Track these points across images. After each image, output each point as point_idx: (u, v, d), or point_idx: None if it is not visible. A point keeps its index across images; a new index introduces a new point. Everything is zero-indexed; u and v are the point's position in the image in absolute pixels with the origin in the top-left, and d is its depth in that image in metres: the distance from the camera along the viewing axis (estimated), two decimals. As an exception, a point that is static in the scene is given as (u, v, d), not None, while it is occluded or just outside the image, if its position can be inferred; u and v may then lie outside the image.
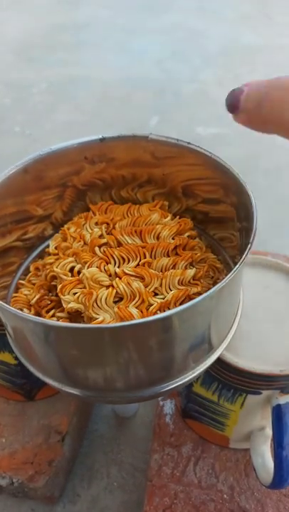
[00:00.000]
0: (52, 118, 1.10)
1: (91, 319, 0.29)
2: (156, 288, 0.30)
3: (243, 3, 1.75)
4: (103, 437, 0.50)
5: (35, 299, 0.33)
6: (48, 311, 0.32)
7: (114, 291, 0.29)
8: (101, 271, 0.31)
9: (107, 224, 0.35)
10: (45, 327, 0.24)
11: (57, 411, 0.46)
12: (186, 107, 1.12)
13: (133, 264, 0.31)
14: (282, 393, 0.35)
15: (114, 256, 0.31)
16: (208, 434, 0.43)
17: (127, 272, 0.30)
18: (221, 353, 0.30)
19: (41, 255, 0.38)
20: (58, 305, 0.32)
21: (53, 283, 0.33)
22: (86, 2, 1.86)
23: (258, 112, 0.20)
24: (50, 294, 0.33)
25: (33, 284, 0.35)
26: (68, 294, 0.30)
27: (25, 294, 0.34)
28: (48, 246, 0.38)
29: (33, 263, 0.37)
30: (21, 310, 0.33)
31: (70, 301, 0.30)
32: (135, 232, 0.33)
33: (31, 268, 0.36)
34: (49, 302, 0.33)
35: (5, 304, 0.24)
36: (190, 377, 0.28)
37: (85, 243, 0.34)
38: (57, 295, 0.32)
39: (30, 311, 0.33)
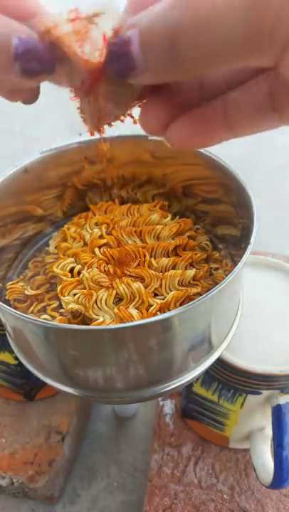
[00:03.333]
0: (52, 118, 1.10)
1: (91, 320, 0.29)
2: (156, 289, 0.30)
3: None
4: (103, 437, 0.50)
5: (33, 292, 0.33)
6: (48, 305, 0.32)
7: (114, 292, 0.29)
8: (101, 271, 0.31)
9: (107, 224, 0.35)
10: (46, 328, 0.24)
11: (57, 411, 0.46)
12: (186, 107, 1.12)
13: (133, 264, 0.31)
14: (282, 393, 0.35)
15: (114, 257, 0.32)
16: (208, 434, 0.43)
17: (126, 272, 0.30)
18: (221, 353, 0.30)
19: (40, 250, 0.38)
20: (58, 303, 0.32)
21: (53, 281, 0.34)
22: (86, 2, 1.85)
23: (173, 56, 0.13)
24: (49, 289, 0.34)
25: (33, 281, 0.35)
26: (68, 294, 0.30)
27: (21, 285, 0.34)
28: (46, 242, 0.38)
29: (33, 260, 0.37)
30: (18, 301, 0.33)
31: (70, 302, 0.30)
32: (135, 232, 0.33)
33: (30, 265, 0.36)
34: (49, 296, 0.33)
35: (5, 305, 0.24)
36: (190, 377, 0.28)
37: (85, 243, 0.34)
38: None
39: (26, 302, 0.33)
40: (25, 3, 0.17)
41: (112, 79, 0.17)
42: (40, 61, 0.16)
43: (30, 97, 0.20)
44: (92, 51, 0.16)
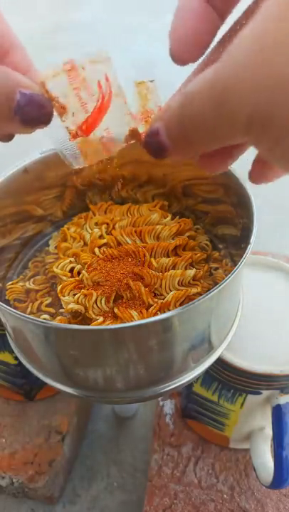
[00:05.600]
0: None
1: (91, 320, 0.29)
2: (156, 288, 0.30)
3: (244, 3, 1.75)
4: (103, 437, 0.50)
5: (33, 286, 0.33)
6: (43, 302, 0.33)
7: (115, 292, 0.29)
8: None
9: (107, 224, 0.35)
10: (46, 328, 0.24)
11: (57, 411, 0.46)
12: (186, 107, 1.12)
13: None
14: (282, 393, 0.35)
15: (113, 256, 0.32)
16: (208, 434, 0.43)
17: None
18: (221, 353, 0.30)
19: (40, 250, 0.38)
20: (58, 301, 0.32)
21: (53, 281, 0.34)
22: (87, 2, 1.86)
23: (186, 141, 0.17)
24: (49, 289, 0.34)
25: (33, 282, 0.35)
26: (68, 295, 0.30)
27: (21, 285, 0.34)
28: (46, 242, 0.38)
29: (33, 260, 0.37)
30: (18, 301, 0.33)
31: (70, 302, 0.30)
32: (135, 232, 0.33)
33: (30, 265, 0.36)
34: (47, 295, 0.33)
35: (5, 305, 0.24)
36: (190, 377, 0.28)
37: (85, 243, 0.34)
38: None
39: (26, 302, 0.33)
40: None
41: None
42: (40, 114, 0.18)
43: (8, 138, 0.22)
44: (89, 97, 0.19)
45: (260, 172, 0.21)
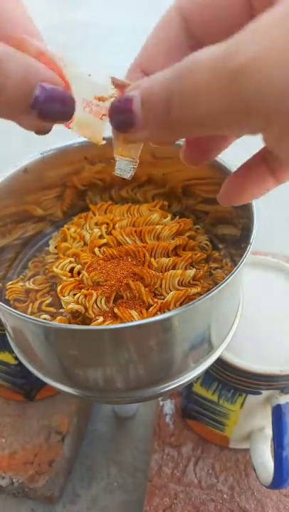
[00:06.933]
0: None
1: (91, 320, 0.29)
2: (156, 288, 0.30)
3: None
4: (103, 437, 0.50)
5: (33, 286, 0.33)
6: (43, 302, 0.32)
7: (115, 292, 0.29)
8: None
9: (107, 224, 0.35)
10: (46, 328, 0.24)
11: (57, 411, 0.46)
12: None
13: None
14: (282, 393, 0.35)
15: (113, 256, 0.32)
16: (208, 434, 0.43)
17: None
18: (221, 353, 0.30)
19: (40, 250, 0.38)
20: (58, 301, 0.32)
21: (53, 281, 0.34)
22: (86, 2, 1.86)
23: (166, 117, 0.14)
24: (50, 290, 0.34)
25: (33, 282, 0.35)
26: (68, 295, 0.30)
27: (21, 285, 0.34)
28: (46, 242, 0.38)
29: (33, 260, 0.37)
30: (18, 301, 0.33)
31: (70, 302, 0.30)
32: (135, 232, 0.33)
33: (30, 265, 0.36)
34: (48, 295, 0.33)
35: (5, 305, 0.24)
36: (190, 377, 0.28)
37: (85, 243, 0.34)
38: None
39: (26, 302, 0.33)
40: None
41: None
42: (61, 111, 0.16)
43: (44, 130, 0.20)
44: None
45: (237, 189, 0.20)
